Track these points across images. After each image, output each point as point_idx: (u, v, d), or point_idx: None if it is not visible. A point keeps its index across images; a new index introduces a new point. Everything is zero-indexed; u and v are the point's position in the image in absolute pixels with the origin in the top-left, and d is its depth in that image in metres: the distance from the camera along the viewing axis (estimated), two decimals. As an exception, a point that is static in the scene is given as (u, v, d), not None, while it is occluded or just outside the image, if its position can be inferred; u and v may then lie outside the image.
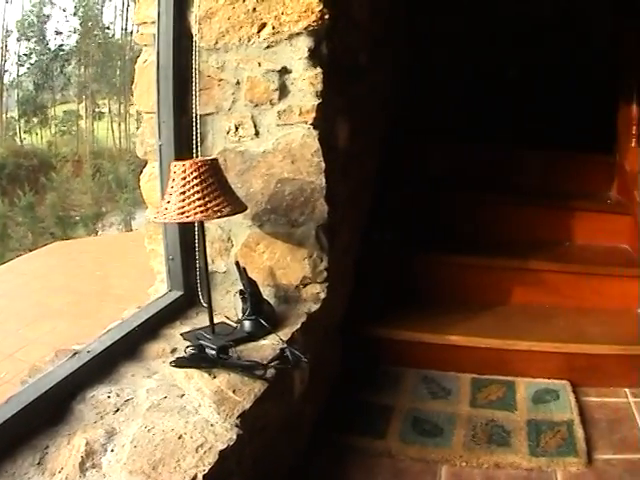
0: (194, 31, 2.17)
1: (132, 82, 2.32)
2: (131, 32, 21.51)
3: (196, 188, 1.77)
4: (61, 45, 22.36)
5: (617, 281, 3.04)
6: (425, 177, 3.63)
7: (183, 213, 1.76)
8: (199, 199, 1.78)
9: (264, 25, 2.12)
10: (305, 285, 2.26)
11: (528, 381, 2.62)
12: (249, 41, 2.14)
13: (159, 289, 2.31)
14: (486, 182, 3.56)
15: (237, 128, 2.20)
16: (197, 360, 1.77)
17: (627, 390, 2.66)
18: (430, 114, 4.35)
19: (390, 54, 3.69)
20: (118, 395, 1.63)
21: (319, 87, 2.11)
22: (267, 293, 2.22)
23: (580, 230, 3.35)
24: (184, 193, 1.77)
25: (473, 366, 2.68)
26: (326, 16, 2.08)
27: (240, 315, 2.05)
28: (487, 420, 2.35)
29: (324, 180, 2.18)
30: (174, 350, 1.89)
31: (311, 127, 2.14)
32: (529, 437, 2.23)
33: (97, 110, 22.73)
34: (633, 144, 3.48)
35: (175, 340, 1.97)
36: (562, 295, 3.01)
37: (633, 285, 2.98)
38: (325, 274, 2.25)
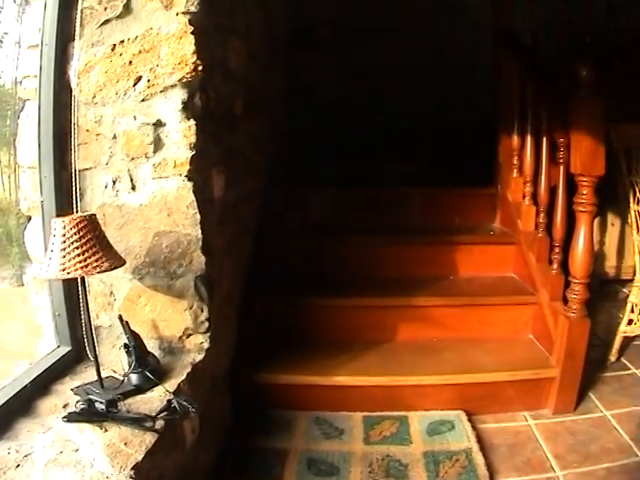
0: (73, 85, 2.25)
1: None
2: (21, 82, 20.97)
3: (75, 244, 1.90)
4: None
5: (506, 309, 3.38)
6: (308, 222, 3.91)
7: (64, 270, 1.88)
8: (79, 255, 1.90)
9: (140, 78, 2.23)
10: (188, 336, 2.39)
11: (421, 414, 2.87)
12: (125, 94, 2.24)
13: (48, 345, 2.39)
14: (368, 223, 3.86)
15: (114, 182, 2.30)
16: (88, 414, 1.90)
17: (526, 414, 2.98)
18: (308, 158, 4.67)
19: (267, 103, 3.92)
20: (17, 451, 1.74)
21: (193, 139, 2.24)
22: (151, 345, 2.34)
23: (465, 263, 3.67)
24: (64, 250, 1.89)
25: (364, 404, 2.90)
26: (200, 67, 2.22)
27: (127, 368, 2.17)
28: (383, 456, 2.56)
29: (200, 232, 2.31)
30: (66, 405, 2.00)
31: (186, 179, 2.26)
32: (427, 468, 2.47)
33: (-15, 161, 21.96)
34: (515, 174, 3.88)
35: (66, 395, 2.07)
36: (449, 328, 3.30)
37: (523, 312, 3.37)
38: (207, 324, 2.39)
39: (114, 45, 2.24)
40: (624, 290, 4.63)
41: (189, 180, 2.27)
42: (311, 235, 3.75)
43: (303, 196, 4.05)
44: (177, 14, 2.21)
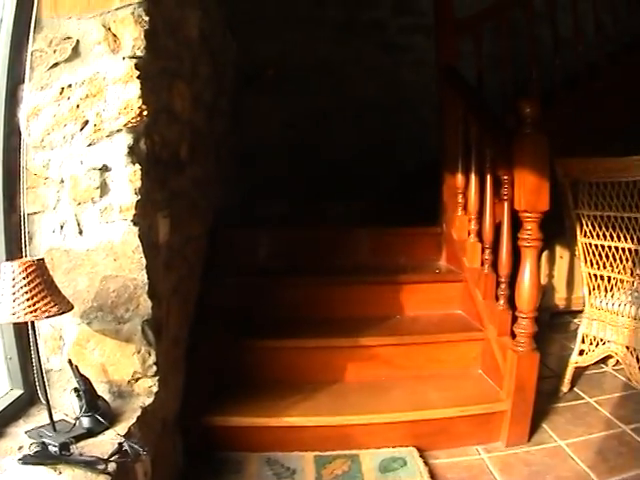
0: (23, 128, 2.31)
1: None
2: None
3: (25, 289, 1.99)
4: None
5: (454, 346, 3.52)
6: (256, 263, 4.03)
7: (14, 314, 1.97)
8: (28, 300, 1.99)
9: (87, 122, 2.30)
10: (137, 380, 2.46)
11: (373, 452, 2.98)
12: (72, 138, 2.30)
13: (1, 388, 2.41)
14: (316, 263, 4.00)
15: (62, 227, 2.36)
16: (42, 457, 1.99)
17: (479, 447, 3.11)
18: (256, 199, 4.82)
19: (212, 147, 4.05)
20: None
21: (138, 184, 2.32)
22: (102, 389, 2.40)
23: (412, 301, 3.81)
24: (14, 294, 1.98)
25: (315, 444, 2.99)
26: (145, 112, 2.30)
27: (78, 412, 2.24)
28: (335, 494, 2.65)
29: (146, 276, 2.38)
30: (21, 447, 2.07)
31: (131, 224, 2.33)
32: (381, 505, 2.55)
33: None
34: (459, 212, 4.06)
35: (20, 438, 2.14)
36: (398, 366, 3.42)
37: (471, 348, 3.51)
38: (155, 368, 2.47)
39: (62, 89, 2.30)
40: (575, 321, 4.86)
41: (135, 225, 2.34)
42: (259, 276, 3.85)
43: (251, 237, 4.16)
44: (123, 58, 2.29)
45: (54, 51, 2.30)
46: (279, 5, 6.03)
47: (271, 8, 6.00)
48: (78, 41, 2.29)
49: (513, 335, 3.21)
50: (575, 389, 3.72)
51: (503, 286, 3.36)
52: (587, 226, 3.63)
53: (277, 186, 5.67)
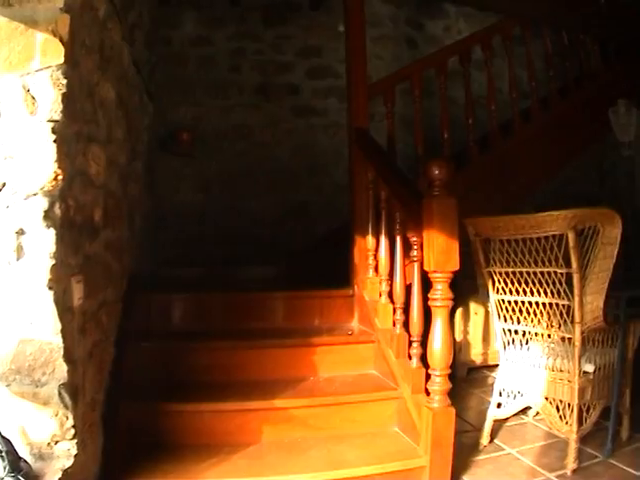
0: None
1: None
2: None
3: None
4: None
5: (368, 405, 3.58)
6: (171, 328, 4.08)
7: None
8: None
9: (4, 184, 2.31)
10: (56, 442, 2.45)
11: (290, 512, 2.96)
12: None
13: None
14: (232, 327, 4.08)
15: None
16: None
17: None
18: (171, 264, 4.88)
19: (126, 211, 4.08)
20: None
21: (53, 248, 2.33)
22: (23, 451, 2.38)
23: (326, 363, 3.87)
24: None
25: (233, 506, 2.97)
26: (60, 177, 2.32)
27: (1, 473, 2.22)
28: None
29: (61, 340, 2.39)
30: None
31: (46, 288, 2.33)
32: None
33: None
34: (370, 274, 4.18)
35: None
36: (314, 427, 3.46)
37: (386, 406, 3.58)
38: (73, 431, 2.46)
39: (-18, 150, 2.29)
40: (492, 375, 5.01)
41: (50, 289, 2.35)
42: (174, 340, 3.87)
43: (166, 302, 4.19)
44: (41, 121, 2.31)
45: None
46: (196, 69, 6.22)
47: (188, 72, 6.18)
48: (-2, 101, 2.30)
49: (428, 392, 3.30)
50: (496, 441, 3.82)
51: (415, 345, 3.47)
52: (499, 283, 3.76)
53: (192, 250, 5.75)
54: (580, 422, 3.37)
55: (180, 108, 6.14)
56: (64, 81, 2.36)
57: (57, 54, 2.35)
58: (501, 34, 5.34)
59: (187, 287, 4.67)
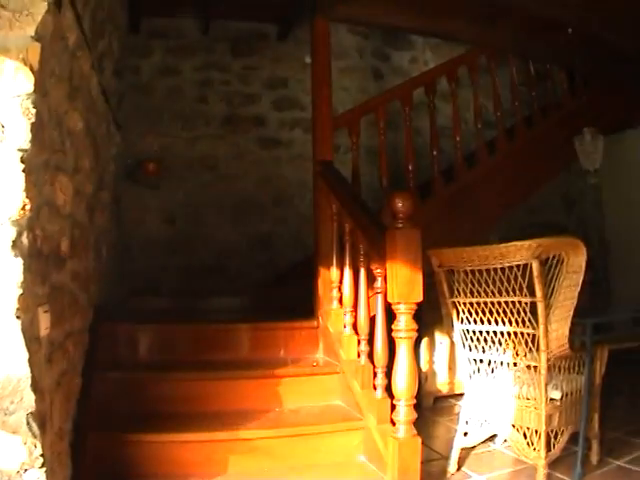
0: None
1: None
2: None
3: None
4: None
5: (334, 436, 3.61)
6: (137, 359, 4.09)
7: None
8: None
9: None
10: (25, 471, 2.42)
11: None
12: None
13: None
14: (198, 358, 4.10)
15: None
16: None
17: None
18: (137, 295, 4.90)
19: (93, 241, 4.09)
20: None
21: (20, 278, 2.31)
22: None
23: (291, 394, 3.89)
24: None
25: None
26: (28, 206, 2.31)
27: None
28: None
29: (29, 370, 2.38)
30: None
31: (14, 317, 2.31)
32: None
33: None
34: (335, 306, 4.22)
35: None
36: (279, 458, 3.47)
37: (352, 437, 3.61)
38: (41, 460, 2.43)
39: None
40: (459, 404, 5.02)
41: (17, 319, 2.34)
42: (141, 371, 3.89)
43: (132, 332, 4.20)
44: (9, 150, 2.31)
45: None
46: (164, 99, 6.27)
47: (156, 102, 6.23)
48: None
49: (393, 422, 3.33)
50: (463, 469, 3.83)
51: (380, 376, 3.53)
52: (464, 313, 3.78)
53: (157, 281, 5.77)
54: (548, 448, 3.39)
55: (147, 138, 6.17)
56: (33, 110, 2.36)
57: (27, 83, 2.36)
58: (467, 65, 5.47)
59: (154, 318, 4.68)
